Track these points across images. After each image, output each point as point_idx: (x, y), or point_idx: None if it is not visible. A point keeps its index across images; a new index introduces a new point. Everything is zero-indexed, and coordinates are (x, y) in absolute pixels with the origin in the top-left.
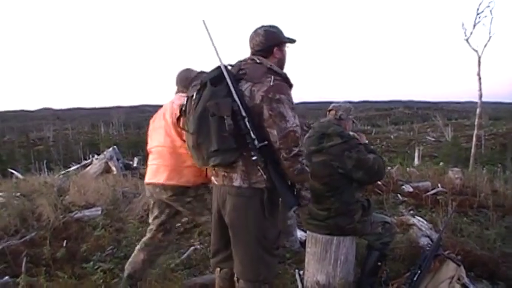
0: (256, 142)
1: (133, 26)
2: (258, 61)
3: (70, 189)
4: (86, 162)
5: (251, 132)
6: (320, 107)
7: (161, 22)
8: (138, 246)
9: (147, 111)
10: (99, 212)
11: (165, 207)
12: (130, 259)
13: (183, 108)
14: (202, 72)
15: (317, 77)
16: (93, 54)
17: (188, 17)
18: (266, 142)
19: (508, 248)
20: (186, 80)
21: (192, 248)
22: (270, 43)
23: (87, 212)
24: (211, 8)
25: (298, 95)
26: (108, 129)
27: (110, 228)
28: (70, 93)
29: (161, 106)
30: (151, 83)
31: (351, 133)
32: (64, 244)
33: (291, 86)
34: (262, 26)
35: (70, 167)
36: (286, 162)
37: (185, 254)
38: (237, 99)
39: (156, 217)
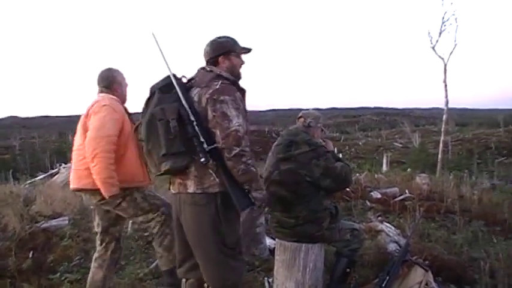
0: (205, 145)
1: (97, 35)
2: (208, 69)
3: (36, 198)
4: (53, 171)
5: (199, 136)
6: (289, 114)
7: (120, 34)
8: (94, 264)
9: None
10: (67, 222)
11: (103, 213)
12: (89, 280)
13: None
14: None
15: (286, 84)
16: (60, 61)
17: (141, 29)
18: (216, 145)
19: (475, 252)
20: (107, 79)
21: None
22: (216, 53)
23: (54, 222)
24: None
25: (267, 102)
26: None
27: (77, 238)
28: (37, 101)
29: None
30: None
31: (319, 140)
32: (30, 255)
33: (241, 90)
34: (215, 37)
35: (37, 176)
36: (229, 162)
37: (154, 263)
38: (185, 103)
39: (98, 224)
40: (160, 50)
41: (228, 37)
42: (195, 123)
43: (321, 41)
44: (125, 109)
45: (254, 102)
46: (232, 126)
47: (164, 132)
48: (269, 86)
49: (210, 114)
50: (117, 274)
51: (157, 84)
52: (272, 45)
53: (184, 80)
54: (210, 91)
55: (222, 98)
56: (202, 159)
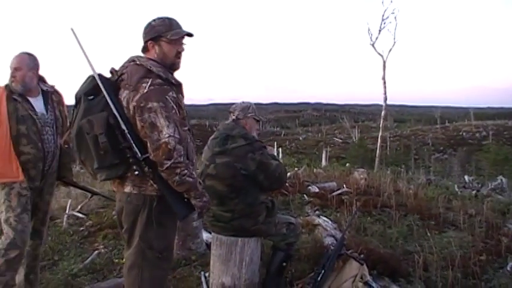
0: (139, 155)
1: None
2: (138, 62)
3: None
4: None
5: (132, 146)
6: (229, 109)
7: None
8: None
9: None
10: None
11: None
12: None
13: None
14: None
15: (227, 78)
16: None
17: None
18: (148, 155)
19: (410, 246)
20: None
21: (95, 252)
22: (145, 38)
23: None
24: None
25: (208, 96)
26: None
27: None
28: None
29: (69, 106)
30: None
31: (255, 132)
32: None
33: (176, 85)
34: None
35: None
36: (163, 174)
37: (89, 259)
38: (115, 111)
39: None
40: (82, 47)
41: (166, 19)
42: (126, 131)
43: (263, 35)
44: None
45: (195, 96)
46: (161, 138)
47: (94, 147)
48: (210, 80)
49: (138, 124)
50: (50, 270)
51: (82, 88)
52: (213, 40)
53: (114, 77)
54: (137, 97)
55: (149, 105)
56: (136, 172)
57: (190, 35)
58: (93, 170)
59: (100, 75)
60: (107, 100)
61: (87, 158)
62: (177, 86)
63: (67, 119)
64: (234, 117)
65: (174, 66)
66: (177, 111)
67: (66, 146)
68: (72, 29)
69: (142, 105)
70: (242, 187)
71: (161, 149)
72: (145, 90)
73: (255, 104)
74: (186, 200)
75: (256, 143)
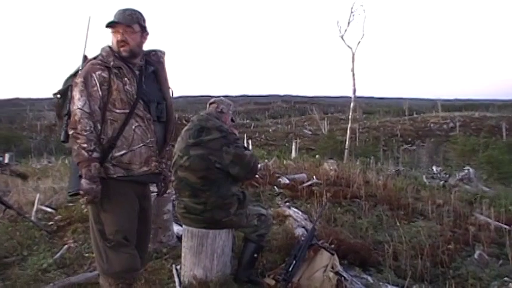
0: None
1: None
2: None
3: None
4: None
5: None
6: (200, 101)
7: (35, 13)
8: None
9: (20, 105)
10: None
11: None
12: None
13: None
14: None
15: (196, 71)
16: None
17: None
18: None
19: (380, 235)
20: None
21: (65, 246)
22: (106, 25)
23: None
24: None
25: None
26: None
27: None
28: None
29: (36, 99)
30: (25, 76)
31: (229, 127)
32: None
33: (116, 67)
34: None
35: None
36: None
37: (58, 253)
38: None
39: None
40: (87, 34)
41: (122, 10)
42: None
43: (232, 27)
44: None
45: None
46: (72, 109)
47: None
48: (179, 73)
49: None
50: (20, 266)
51: (72, 72)
52: (181, 32)
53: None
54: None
55: (76, 80)
56: (61, 137)
57: (108, 24)
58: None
59: (85, 56)
60: None
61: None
62: (118, 69)
63: None
64: (219, 109)
65: (120, 54)
66: (99, 90)
67: None
68: (89, 18)
69: (76, 80)
70: (215, 180)
71: (71, 119)
72: (83, 68)
73: (224, 96)
74: (79, 178)
75: (231, 135)
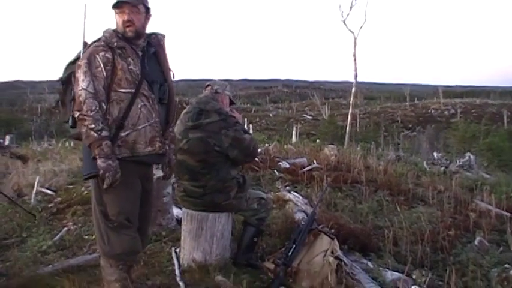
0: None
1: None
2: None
3: None
4: None
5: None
6: (201, 85)
7: None
8: None
9: (21, 88)
10: None
11: None
12: None
13: None
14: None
15: (198, 54)
16: None
17: None
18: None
19: (380, 221)
20: None
21: (65, 228)
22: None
23: None
24: None
25: (179, 72)
26: None
27: None
28: None
29: (37, 82)
30: (25, 58)
31: (228, 109)
32: None
33: (119, 47)
34: None
35: None
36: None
37: (58, 236)
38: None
39: None
40: (84, 22)
41: None
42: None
43: (234, 12)
44: None
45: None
46: (77, 91)
47: (60, 100)
48: (180, 56)
49: None
50: (19, 247)
51: (72, 58)
52: (183, 16)
53: None
54: None
55: (79, 62)
56: (69, 123)
57: (115, 4)
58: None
59: (85, 42)
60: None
61: (60, 114)
62: (122, 49)
63: None
64: (213, 90)
65: (125, 34)
66: (103, 70)
67: None
68: (85, 5)
69: (79, 63)
70: (215, 163)
71: (75, 101)
72: (86, 51)
73: (225, 80)
74: (93, 160)
75: (230, 118)
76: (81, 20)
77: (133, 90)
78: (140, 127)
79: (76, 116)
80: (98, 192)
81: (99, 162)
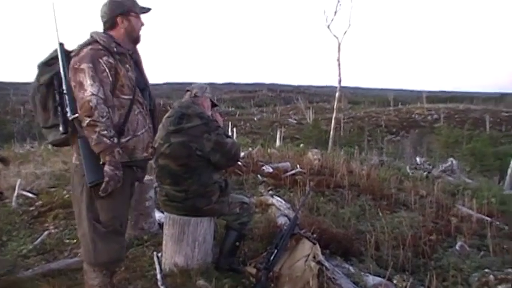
0: (69, 114)
1: None
2: (92, 36)
3: None
4: None
5: (64, 105)
6: (185, 88)
7: None
8: None
9: (4, 89)
10: None
11: None
12: None
13: None
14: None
15: (182, 57)
16: None
17: None
18: (77, 115)
19: (362, 225)
20: None
21: (46, 232)
22: (114, 13)
23: None
24: None
25: (162, 75)
26: None
27: None
28: None
29: (21, 83)
30: (7, 59)
31: (209, 112)
32: None
33: (120, 53)
34: None
35: None
36: (85, 132)
37: (39, 239)
38: (62, 71)
39: None
40: (55, 21)
41: None
42: (64, 91)
43: (219, 15)
44: None
45: (149, 75)
46: (85, 96)
47: (40, 105)
48: (164, 59)
49: (72, 84)
50: None
51: (44, 59)
52: (168, 19)
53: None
54: (73, 60)
55: (81, 66)
56: (61, 129)
57: (148, 10)
58: (43, 132)
59: (61, 44)
60: (59, 65)
61: (39, 121)
62: (121, 55)
63: None
64: (192, 94)
65: (139, 38)
66: (109, 76)
67: None
68: (53, 4)
69: (76, 66)
70: (196, 167)
71: (84, 107)
72: (81, 54)
73: (209, 83)
74: (101, 166)
75: (212, 122)
76: (52, 20)
77: (131, 97)
78: (139, 133)
79: (86, 121)
80: (90, 198)
81: (108, 169)
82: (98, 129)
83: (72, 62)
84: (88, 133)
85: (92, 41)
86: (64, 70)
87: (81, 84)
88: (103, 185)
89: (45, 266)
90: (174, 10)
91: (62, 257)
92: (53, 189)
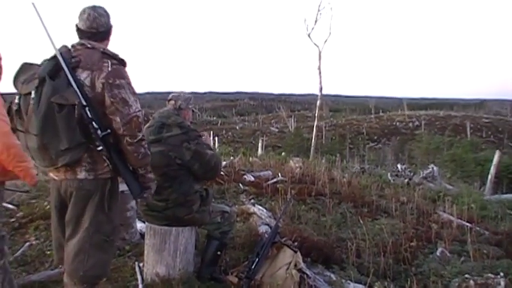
0: (99, 132)
1: None
2: (89, 46)
3: None
4: None
5: (93, 122)
6: (167, 97)
7: None
8: None
9: None
10: None
11: None
12: None
13: (15, 108)
14: (32, 65)
15: (164, 66)
16: None
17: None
18: (109, 131)
19: (343, 233)
20: None
21: (27, 244)
22: (110, 25)
23: None
24: None
25: (144, 85)
26: None
27: None
28: None
29: (9, 94)
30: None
31: (189, 122)
32: None
33: (125, 65)
34: (98, 6)
35: None
36: (131, 147)
37: (19, 251)
38: (76, 88)
39: None
40: (43, 24)
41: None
42: (88, 108)
43: (200, 23)
44: None
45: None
46: (132, 112)
47: (66, 125)
48: (146, 68)
49: (107, 100)
50: None
51: (44, 68)
52: (149, 27)
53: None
54: (104, 74)
55: (118, 82)
56: (100, 147)
57: None
58: (56, 153)
59: (62, 54)
60: (68, 79)
61: (52, 141)
62: (125, 66)
63: None
64: (176, 106)
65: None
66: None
67: None
68: (33, 4)
69: (110, 81)
70: (176, 176)
71: (133, 122)
72: (110, 69)
73: (191, 92)
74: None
75: (192, 132)
76: (38, 21)
77: None
78: None
79: (138, 137)
80: (95, 211)
81: (150, 175)
82: (144, 143)
83: (101, 76)
84: (136, 148)
85: (102, 53)
86: (79, 87)
87: (124, 101)
88: (151, 191)
89: (26, 278)
90: (155, 19)
91: (43, 269)
92: (33, 201)
